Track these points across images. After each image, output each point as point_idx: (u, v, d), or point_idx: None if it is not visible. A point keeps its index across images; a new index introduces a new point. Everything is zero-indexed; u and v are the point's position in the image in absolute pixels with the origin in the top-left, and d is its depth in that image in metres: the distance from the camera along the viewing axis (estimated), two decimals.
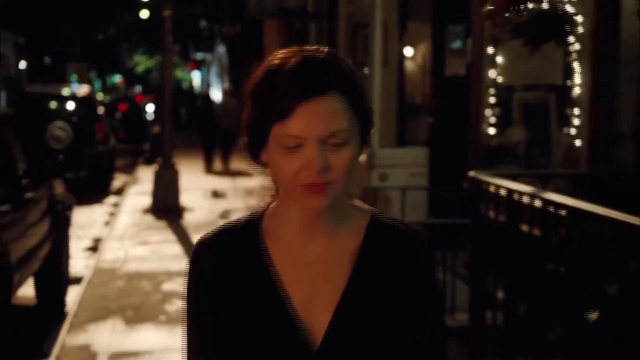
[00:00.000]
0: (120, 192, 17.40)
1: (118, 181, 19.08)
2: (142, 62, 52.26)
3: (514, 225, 4.59)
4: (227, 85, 24.44)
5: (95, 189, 16.87)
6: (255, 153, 1.76)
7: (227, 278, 1.78)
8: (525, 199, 4.38)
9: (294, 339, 1.73)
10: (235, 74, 33.63)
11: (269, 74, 1.70)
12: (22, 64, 49.00)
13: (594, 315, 3.82)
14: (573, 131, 6.54)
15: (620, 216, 3.59)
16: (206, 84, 49.47)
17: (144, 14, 44.42)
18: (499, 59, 7.12)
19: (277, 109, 1.66)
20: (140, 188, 17.02)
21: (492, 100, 7.23)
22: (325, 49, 1.75)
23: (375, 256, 1.79)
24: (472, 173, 5.14)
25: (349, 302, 1.75)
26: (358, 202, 1.86)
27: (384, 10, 11.48)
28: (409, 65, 12.35)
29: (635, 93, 5.56)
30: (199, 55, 50.88)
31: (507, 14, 4.98)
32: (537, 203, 4.24)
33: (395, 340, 1.75)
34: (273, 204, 1.84)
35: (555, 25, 5.12)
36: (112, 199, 16.48)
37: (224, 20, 31.59)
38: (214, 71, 48.48)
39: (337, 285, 1.77)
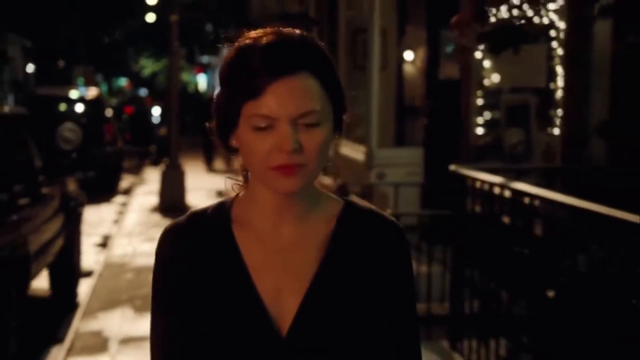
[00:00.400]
0: (127, 192, 17.86)
1: (125, 182, 19.54)
2: (148, 66, 52.64)
3: (489, 212, 5.05)
4: None
5: (103, 189, 17.30)
6: (224, 137, 1.73)
7: (195, 265, 1.75)
8: (497, 189, 4.84)
9: (263, 325, 1.72)
10: None
11: (241, 53, 1.67)
12: (30, 67, 49.46)
13: (551, 293, 4.27)
14: (556, 131, 7.00)
15: (577, 202, 4.03)
16: (212, 86, 49.90)
17: (151, 17, 44.81)
18: (487, 64, 7.58)
19: (248, 88, 1.63)
20: (147, 188, 17.48)
21: (480, 102, 7.69)
22: (299, 31, 1.71)
23: (348, 242, 1.77)
24: (452, 167, 5.61)
25: (318, 289, 1.74)
26: (330, 192, 1.84)
27: (383, 16, 11.93)
28: (408, 69, 12.77)
29: (606, 94, 5.99)
30: (205, 59, 51.29)
31: (473, 25, 5.41)
32: (507, 193, 4.70)
33: (365, 327, 1.73)
34: (242, 193, 1.81)
35: (514, 34, 5.56)
36: (120, 199, 16.94)
37: (228, 24, 32.05)
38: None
39: (306, 271, 1.75)
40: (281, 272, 1.74)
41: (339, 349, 1.71)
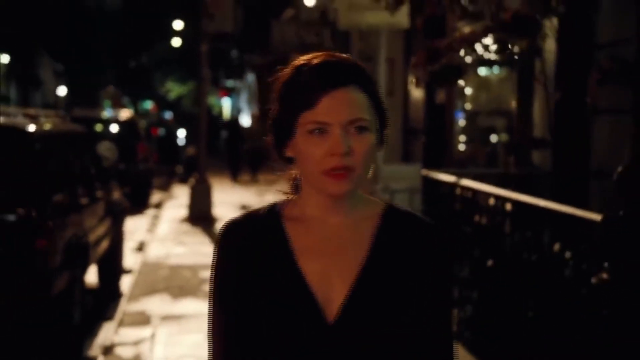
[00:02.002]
0: (158, 205, 19.37)
1: (155, 197, 21.05)
2: (174, 89, 53.79)
3: (448, 202, 6.55)
4: (255, 110, 26.81)
5: (136, 203, 18.79)
6: (280, 148, 1.91)
7: (250, 257, 1.91)
8: (458, 189, 6.35)
9: (311, 311, 1.84)
10: (263, 100, 35.55)
11: (296, 71, 1.87)
12: (60, 90, 51.03)
13: (490, 262, 5.73)
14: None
15: (516, 196, 5.50)
16: (236, 110, 51.19)
17: (177, 42, 46.26)
18: (468, 90, 9.07)
19: (303, 100, 1.82)
20: (176, 202, 18.99)
21: (462, 123, 9.19)
22: (345, 55, 1.91)
23: (392, 237, 1.91)
24: (423, 171, 7.11)
25: (366, 279, 1.86)
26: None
27: (390, 47, 13.42)
28: (414, 94, 14.26)
29: (546, 110, 7.39)
30: (229, 83, 52.60)
31: (426, 66, 6.89)
32: (458, 190, 6.20)
33: (406, 319, 1.86)
34: (293, 197, 1.98)
35: (453, 72, 7.00)
36: (152, 212, 18.44)
37: (252, 50, 33.48)
38: (244, 98, 50.23)
39: (354, 261, 1.88)
40: (329, 260, 1.89)
41: (382, 337, 1.84)
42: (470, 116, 9.07)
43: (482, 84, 8.84)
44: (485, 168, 9.12)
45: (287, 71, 1.90)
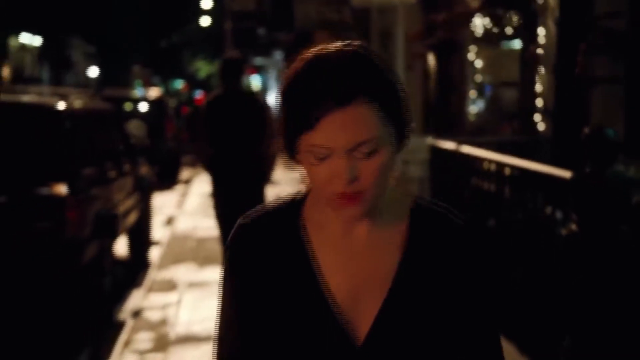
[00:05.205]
0: (187, 182, 19.87)
1: (185, 174, 21.55)
2: (203, 68, 54.17)
3: (451, 168, 6.96)
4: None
5: (165, 180, 19.30)
6: (290, 154, 1.70)
7: (266, 270, 1.72)
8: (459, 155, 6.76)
9: (337, 334, 1.66)
10: None
11: (295, 81, 1.63)
12: (91, 71, 51.64)
13: (492, 222, 6.12)
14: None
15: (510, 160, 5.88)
16: (265, 87, 51.52)
17: (205, 21, 46.65)
18: (478, 64, 9.42)
19: (303, 119, 1.60)
20: (205, 178, 19.35)
21: (473, 94, 9.56)
22: (353, 47, 1.65)
23: (423, 245, 1.72)
24: (429, 140, 7.50)
25: (397, 296, 1.68)
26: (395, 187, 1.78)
27: (407, 22, 13.74)
28: (432, 69, 14.59)
29: (552, 82, 7.73)
30: (258, 61, 52.92)
31: (421, 39, 7.28)
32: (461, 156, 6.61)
33: (444, 333, 1.68)
34: (315, 190, 1.74)
35: (447, 47, 7.41)
36: (181, 188, 18.94)
37: (280, 28, 33.79)
38: (272, 75, 50.54)
39: (383, 277, 1.70)
40: (355, 277, 1.70)
41: (416, 358, 1.67)
42: (480, 88, 9.46)
43: (491, 58, 9.19)
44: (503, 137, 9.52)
45: (288, 77, 1.67)
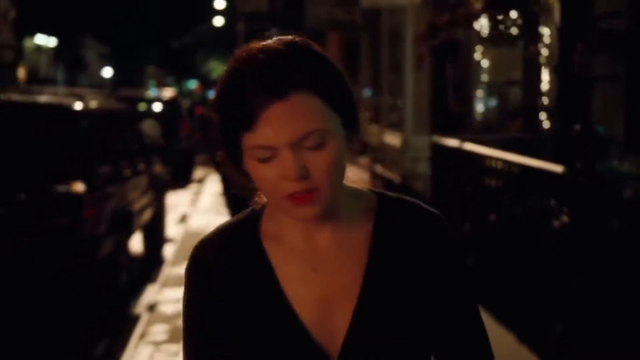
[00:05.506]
0: (201, 181, 20.13)
1: (198, 173, 21.81)
2: (216, 68, 54.33)
3: (454, 164, 7.20)
4: None
5: (179, 179, 19.56)
6: (235, 164, 1.60)
7: (227, 290, 1.63)
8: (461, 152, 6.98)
9: (311, 349, 1.59)
10: None
11: (230, 79, 1.54)
12: (105, 71, 51.94)
13: (492, 217, 6.34)
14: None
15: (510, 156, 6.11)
16: None
17: (218, 21, 46.88)
18: (484, 63, 9.63)
19: (241, 118, 1.50)
20: (217, 177, 19.70)
21: (480, 93, 9.77)
22: (289, 39, 1.56)
23: (390, 240, 1.63)
24: (434, 138, 7.73)
25: (368, 301, 1.60)
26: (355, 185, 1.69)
27: (416, 23, 13.95)
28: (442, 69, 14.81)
29: (554, 81, 7.94)
30: None
31: (425, 40, 7.50)
32: (460, 153, 6.83)
33: (422, 330, 1.61)
34: (270, 204, 1.66)
35: (447, 48, 7.62)
36: (194, 187, 19.21)
37: (291, 28, 34.00)
38: None
39: (351, 282, 1.61)
40: (322, 286, 1.61)
41: None
42: (487, 87, 9.69)
43: (496, 57, 9.41)
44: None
45: (221, 77, 1.58)
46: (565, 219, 4.52)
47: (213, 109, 1.59)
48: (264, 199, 1.67)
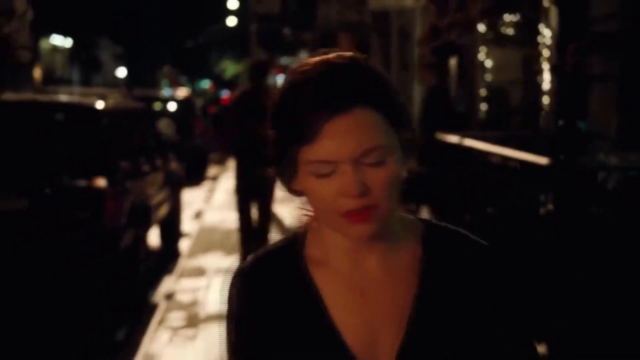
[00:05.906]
0: (215, 178, 20.55)
1: (212, 171, 22.23)
2: (229, 68, 54.65)
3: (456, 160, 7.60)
4: None
5: (194, 177, 19.97)
6: (286, 182, 1.58)
7: (275, 315, 1.58)
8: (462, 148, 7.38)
9: None
10: None
11: (289, 92, 1.52)
12: (120, 71, 52.43)
13: (490, 210, 6.72)
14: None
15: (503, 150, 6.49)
16: None
17: (232, 21, 47.26)
18: (488, 64, 10.01)
19: (301, 131, 1.47)
20: (231, 175, 20.06)
21: (483, 92, 10.16)
22: (349, 55, 1.54)
23: (439, 269, 1.60)
24: (438, 135, 8.13)
25: (417, 328, 1.56)
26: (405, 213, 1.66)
27: (425, 24, 14.34)
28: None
29: (554, 80, 8.31)
30: (284, 60, 53.40)
31: (427, 42, 7.89)
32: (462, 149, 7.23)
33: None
34: (313, 226, 1.64)
35: (447, 49, 8.01)
36: (208, 184, 19.63)
37: (305, 28, 34.40)
38: None
39: (399, 308, 1.57)
40: (369, 314, 1.57)
41: None
42: (490, 87, 10.10)
43: (498, 58, 9.80)
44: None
45: (279, 90, 1.56)
46: (550, 206, 4.90)
47: (267, 123, 1.57)
48: (305, 221, 1.66)
